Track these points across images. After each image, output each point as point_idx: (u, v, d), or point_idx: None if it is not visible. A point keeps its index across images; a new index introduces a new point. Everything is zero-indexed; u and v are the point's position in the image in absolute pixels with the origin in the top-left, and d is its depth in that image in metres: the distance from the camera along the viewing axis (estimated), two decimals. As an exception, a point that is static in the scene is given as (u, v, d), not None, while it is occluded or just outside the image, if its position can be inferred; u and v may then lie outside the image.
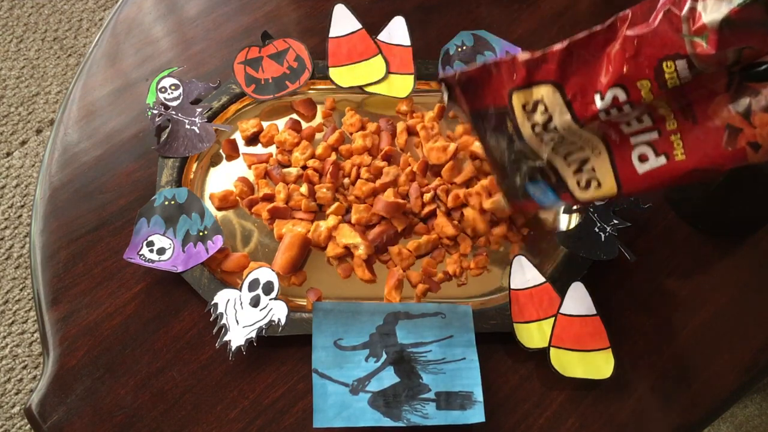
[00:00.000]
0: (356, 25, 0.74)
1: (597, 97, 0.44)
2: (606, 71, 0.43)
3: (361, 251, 0.60)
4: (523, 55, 0.46)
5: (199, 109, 0.69)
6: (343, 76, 0.71)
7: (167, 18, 0.81)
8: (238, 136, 0.70)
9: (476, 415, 0.52)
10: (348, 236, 0.61)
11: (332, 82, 0.71)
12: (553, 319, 0.57)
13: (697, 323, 0.61)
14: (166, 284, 0.60)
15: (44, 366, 0.56)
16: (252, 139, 0.69)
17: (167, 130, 0.67)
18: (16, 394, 1.16)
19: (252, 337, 0.55)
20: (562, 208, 0.65)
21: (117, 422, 0.54)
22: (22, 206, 1.35)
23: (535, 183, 0.53)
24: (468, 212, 0.63)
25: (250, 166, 0.67)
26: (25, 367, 1.18)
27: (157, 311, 0.59)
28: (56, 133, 0.70)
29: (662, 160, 0.47)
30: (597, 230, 0.62)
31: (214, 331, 0.56)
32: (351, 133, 0.69)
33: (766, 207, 0.63)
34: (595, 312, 0.57)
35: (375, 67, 0.72)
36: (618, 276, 0.63)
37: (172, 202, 0.62)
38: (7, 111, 1.46)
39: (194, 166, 0.67)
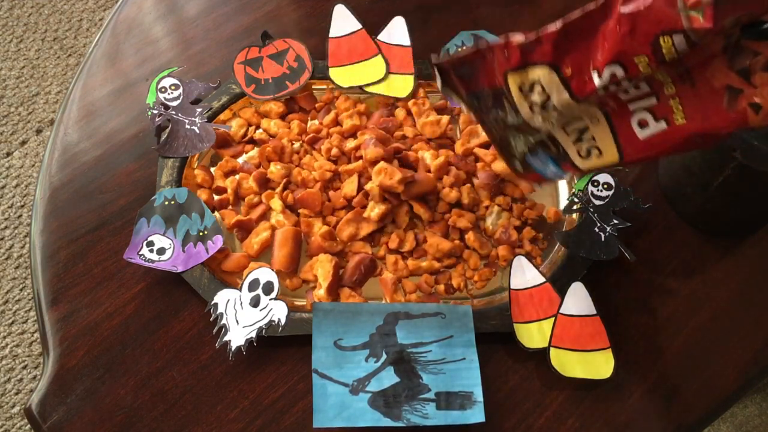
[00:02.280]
0: (356, 25, 0.74)
1: (594, 75, 0.44)
2: (602, 49, 0.43)
3: (321, 293, 0.59)
4: (517, 38, 0.46)
5: (199, 109, 0.69)
6: (343, 76, 0.71)
7: (167, 18, 0.81)
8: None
9: (476, 415, 0.52)
10: (314, 273, 0.61)
11: (332, 82, 0.71)
12: (553, 319, 0.57)
13: (697, 323, 0.61)
14: (166, 284, 0.60)
15: (44, 366, 0.56)
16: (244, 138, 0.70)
17: (167, 130, 0.67)
18: (16, 394, 1.16)
19: (252, 337, 0.55)
20: (563, 209, 0.65)
21: (117, 422, 0.54)
22: (22, 206, 1.35)
23: (535, 155, 0.53)
24: (469, 236, 0.63)
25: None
26: (25, 367, 1.18)
27: (157, 311, 0.59)
28: (56, 133, 0.70)
29: (662, 125, 0.46)
30: (597, 230, 0.62)
31: (214, 331, 0.56)
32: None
33: (766, 207, 0.63)
34: (595, 312, 0.57)
35: (375, 67, 0.72)
36: (618, 276, 0.63)
37: (172, 202, 0.62)
38: (7, 111, 1.46)
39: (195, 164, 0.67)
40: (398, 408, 0.51)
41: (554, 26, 0.44)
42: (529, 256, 0.62)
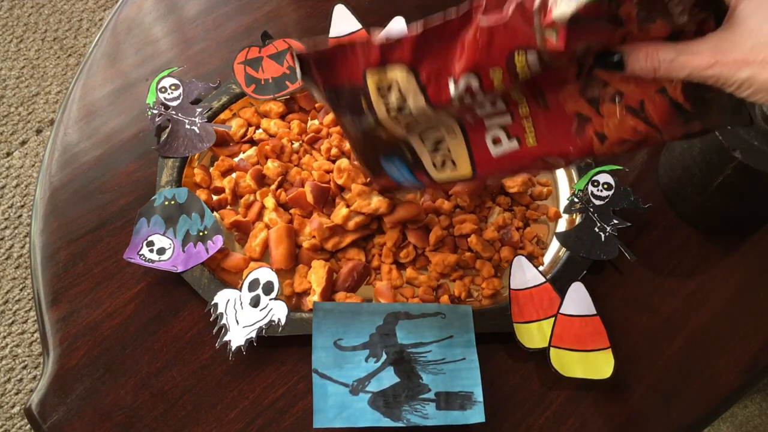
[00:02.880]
0: (356, 25, 0.74)
1: (451, 83, 0.44)
2: (460, 58, 0.43)
3: (315, 299, 0.59)
4: (378, 38, 0.45)
5: (199, 109, 0.69)
6: None
7: (167, 18, 0.81)
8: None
9: (476, 415, 0.52)
10: (309, 279, 0.60)
11: None
12: (553, 319, 0.57)
13: (697, 323, 0.61)
14: (166, 284, 0.60)
15: (44, 366, 0.56)
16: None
17: (167, 130, 0.67)
18: (16, 394, 1.16)
19: (252, 337, 0.55)
20: (563, 209, 0.65)
21: (117, 422, 0.53)
22: (22, 206, 1.35)
23: (390, 160, 0.52)
24: (472, 239, 0.62)
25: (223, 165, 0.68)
26: (25, 367, 1.19)
27: (157, 311, 0.59)
28: (56, 133, 0.70)
29: (514, 144, 0.47)
30: (597, 230, 0.62)
31: (214, 331, 0.56)
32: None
33: (766, 207, 0.63)
34: (595, 312, 0.57)
35: None
36: (618, 276, 0.63)
37: (172, 202, 0.62)
38: (7, 111, 1.46)
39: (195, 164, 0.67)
40: (398, 408, 0.51)
41: (415, 31, 0.44)
42: (531, 256, 0.62)
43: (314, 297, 0.58)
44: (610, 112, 0.43)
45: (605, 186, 0.64)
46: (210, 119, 0.69)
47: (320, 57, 0.48)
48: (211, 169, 0.67)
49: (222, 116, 0.70)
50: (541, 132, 0.46)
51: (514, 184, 0.65)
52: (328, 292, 0.59)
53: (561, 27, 0.37)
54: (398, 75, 0.45)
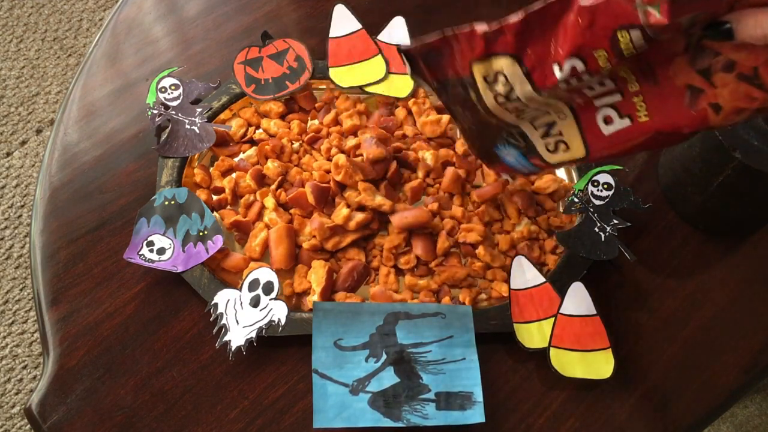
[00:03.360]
0: (356, 25, 0.74)
1: (555, 68, 0.44)
2: (563, 42, 0.43)
3: (315, 299, 0.59)
4: (480, 27, 0.46)
5: (199, 109, 0.69)
6: (343, 76, 0.71)
7: (167, 18, 0.81)
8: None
9: (476, 415, 0.52)
10: (309, 279, 0.60)
11: (332, 82, 0.71)
12: (553, 319, 0.57)
13: (697, 323, 0.61)
14: (166, 284, 0.60)
15: (44, 366, 0.56)
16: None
17: (167, 130, 0.67)
18: (16, 394, 1.16)
19: (252, 337, 0.55)
20: (563, 209, 0.65)
21: (117, 422, 0.54)
22: (22, 206, 1.35)
23: (504, 147, 0.53)
24: (480, 250, 0.62)
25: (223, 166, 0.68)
26: (25, 367, 1.19)
27: (157, 311, 0.59)
28: (56, 133, 0.70)
29: (626, 122, 0.47)
30: (597, 230, 0.62)
31: (214, 331, 0.56)
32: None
33: (766, 207, 0.63)
34: (595, 312, 0.57)
35: (375, 67, 0.71)
36: (618, 276, 0.63)
37: (172, 202, 0.62)
38: (7, 111, 1.46)
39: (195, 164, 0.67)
40: (398, 408, 0.51)
41: (516, 17, 0.44)
42: (542, 263, 0.62)
43: (314, 297, 0.58)
44: (723, 82, 0.42)
45: (605, 186, 0.64)
46: (210, 119, 0.69)
47: (427, 52, 0.49)
48: (211, 169, 0.67)
49: (222, 116, 0.70)
50: (653, 107, 0.45)
51: (546, 184, 0.66)
52: (328, 292, 0.59)
53: (663, 1, 0.37)
54: (503, 64, 0.45)
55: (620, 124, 0.47)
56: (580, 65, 0.42)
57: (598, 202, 0.64)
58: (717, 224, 0.66)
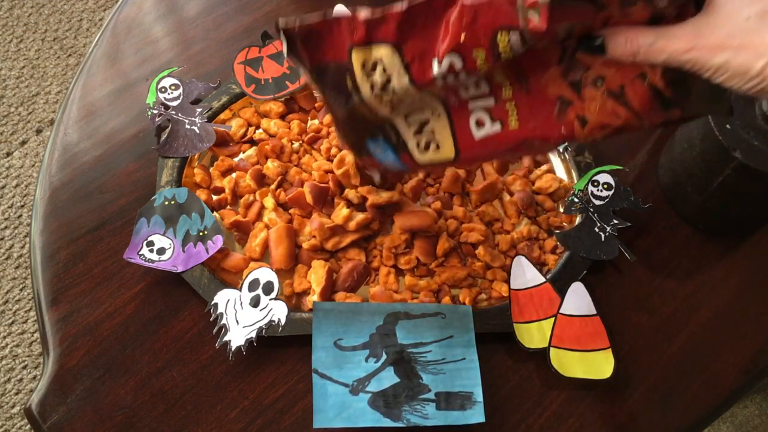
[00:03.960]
0: None
1: (434, 63, 0.44)
2: (444, 37, 0.43)
3: (315, 298, 0.59)
4: (363, 13, 0.45)
5: (199, 109, 0.69)
6: None
7: (167, 18, 0.81)
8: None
9: (476, 415, 0.52)
10: (308, 279, 0.60)
11: None
12: (553, 319, 0.57)
13: (697, 323, 0.61)
14: (166, 284, 0.60)
15: (44, 366, 0.56)
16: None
17: (167, 130, 0.67)
18: (16, 394, 1.16)
19: (252, 337, 0.55)
20: (563, 209, 0.65)
21: (117, 422, 0.54)
22: (22, 206, 1.35)
23: (375, 141, 0.52)
24: (480, 250, 0.62)
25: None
26: (25, 367, 1.19)
27: (157, 311, 0.59)
28: (56, 133, 0.70)
29: (497, 127, 0.47)
30: (597, 230, 0.62)
31: (214, 331, 0.56)
32: None
33: (766, 207, 0.63)
34: (595, 312, 0.57)
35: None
36: (618, 276, 0.63)
37: (172, 202, 0.62)
38: (7, 111, 1.46)
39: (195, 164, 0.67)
40: (398, 408, 0.51)
41: (400, 6, 0.44)
42: (543, 263, 0.62)
43: (314, 297, 0.58)
44: (591, 96, 0.44)
45: (605, 186, 0.64)
46: (210, 119, 0.69)
47: (306, 33, 0.48)
48: (211, 169, 0.67)
49: (222, 116, 0.70)
50: (524, 115, 0.46)
51: (547, 184, 0.66)
52: (328, 292, 0.59)
53: (543, 7, 0.38)
54: (383, 53, 0.45)
55: (491, 128, 0.47)
56: (458, 63, 0.43)
57: (598, 202, 0.64)
58: (717, 224, 0.66)
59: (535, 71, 0.44)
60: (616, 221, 0.62)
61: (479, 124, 0.48)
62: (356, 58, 0.46)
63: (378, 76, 0.46)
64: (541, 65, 0.44)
